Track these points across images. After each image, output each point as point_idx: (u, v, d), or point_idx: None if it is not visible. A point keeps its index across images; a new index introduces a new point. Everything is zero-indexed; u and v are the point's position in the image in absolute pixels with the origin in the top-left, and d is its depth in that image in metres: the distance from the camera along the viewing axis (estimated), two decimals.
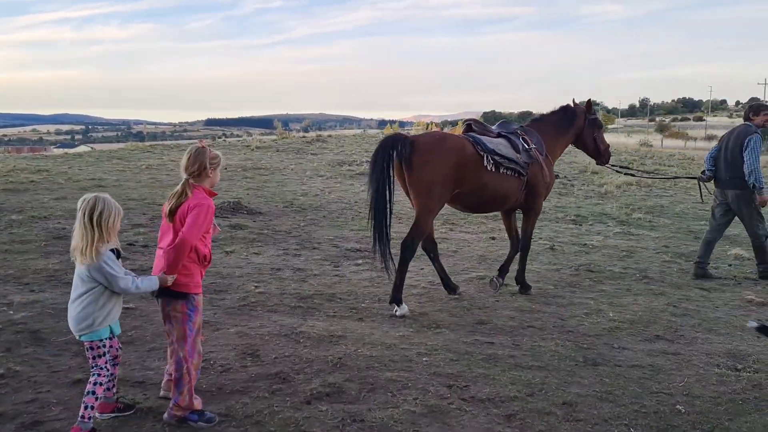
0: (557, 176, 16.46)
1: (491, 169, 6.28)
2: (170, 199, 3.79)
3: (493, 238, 9.38)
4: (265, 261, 7.72)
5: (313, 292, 6.47)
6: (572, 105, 7.39)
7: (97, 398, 3.58)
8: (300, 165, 16.66)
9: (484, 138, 6.47)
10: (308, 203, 11.66)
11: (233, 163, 16.21)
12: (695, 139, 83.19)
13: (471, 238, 9.38)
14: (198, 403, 3.80)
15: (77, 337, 3.65)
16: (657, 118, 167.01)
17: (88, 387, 3.58)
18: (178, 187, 3.79)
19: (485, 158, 6.25)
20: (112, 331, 3.70)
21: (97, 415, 3.68)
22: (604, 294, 6.78)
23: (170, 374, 3.95)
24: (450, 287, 6.60)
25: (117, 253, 3.64)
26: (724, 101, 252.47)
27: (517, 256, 6.94)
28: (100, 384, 3.60)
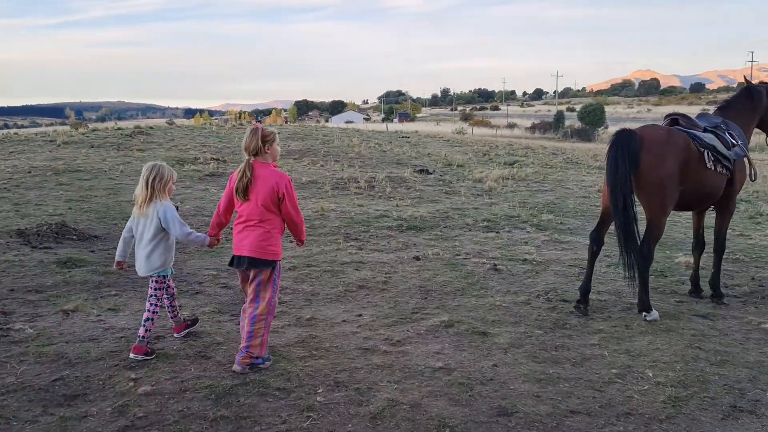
0: (429, 172, 15.17)
1: (710, 167, 5.93)
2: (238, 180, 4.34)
3: (418, 258, 7.55)
4: (129, 322, 5.20)
5: (234, 383, 4.16)
6: (752, 85, 6.67)
7: (153, 323, 4.63)
8: (129, 165, 13.54)
9: (696, 132, 6.04)
10: None
11: (39, 165, 12.70)
12: (499, 126, 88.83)
13: (391, 260, 7.47)
14: (265, 350, 4.40)
15: (147, 275, 4.66)
16: (458, 108, 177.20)
17: (147, 315, 4.62)
18: (242, 167, 4.35)
19: (705, 155, 5.90)
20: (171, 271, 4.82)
21: (176, 335, 4.92)
22: (607, 336, 5.24)
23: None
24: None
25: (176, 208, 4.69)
26: (513, 92, 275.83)
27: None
28: (156, 312, 4.67)
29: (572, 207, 11.82)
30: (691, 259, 7.82)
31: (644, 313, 5.74)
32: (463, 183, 13.87)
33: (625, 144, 5.71)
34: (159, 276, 4.69)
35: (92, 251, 7.27)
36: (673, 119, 6.33)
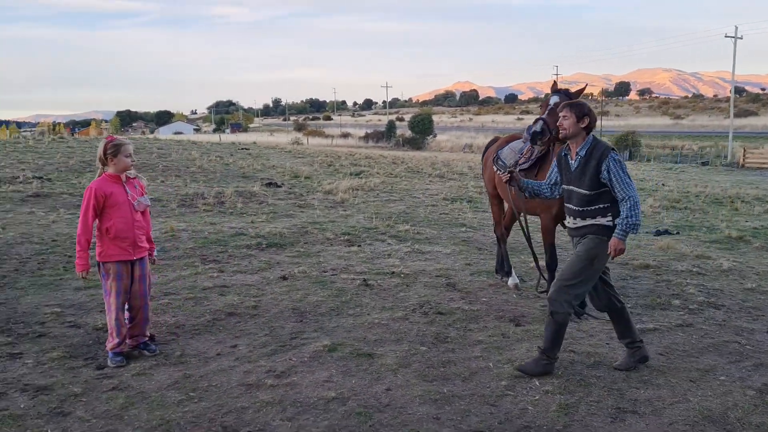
0: (278, 185, 14.73)
1: (495, 171, 6.59)
2: None
3: (285, 278, 7.21)
4: None
5: None
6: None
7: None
8: None
9: (515, 142, 6.60)
10: None
11: None
12: (333, 136, 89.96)
13: (256, 281, 7.06)
14: (110, 346, 4.72)
15: None
16: (291, 118, 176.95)
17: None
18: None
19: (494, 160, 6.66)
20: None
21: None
22: (488, 347, 5.27)
23: None
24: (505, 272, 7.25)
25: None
26: (344, 102, 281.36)
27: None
28: None
29: (424, 216, 12.08)
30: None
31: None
32: (314, 195, 13.66)
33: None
34: None
35: None
36: None
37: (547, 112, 5.60)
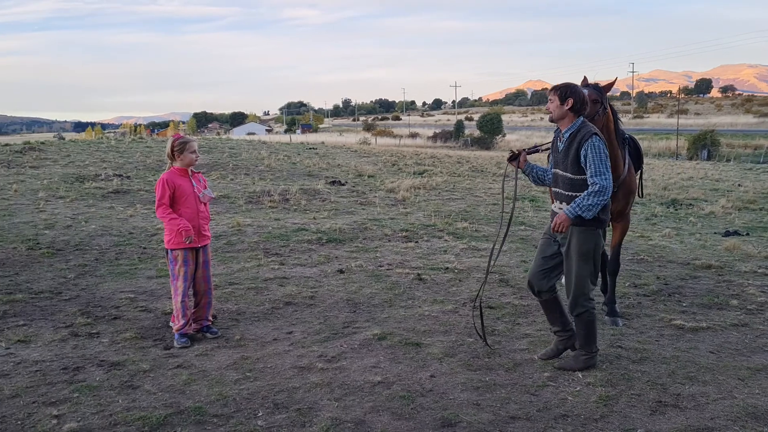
0: (342, 183, 15.14)
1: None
2: None
3: (342, 271, 7.50)
4: (44, 355, 4.83)
5: (167, 412, 3.95)
6: None
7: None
8: (23, 183, 12.68)
9: None
10: (62, 240, 8.42)
11: None
12: (401, 136, 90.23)
13: (315, 273, 7.38)
14: (176, 328, 5.13)
15: None
16: (360, 118, 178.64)
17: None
18: None
19: None
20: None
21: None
22: (535, 341, 5.40)
23: None
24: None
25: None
26: (413, 102, 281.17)
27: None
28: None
29: (484, 214, 12.16)
30: None
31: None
32: (376, 193, 13.95)
33: None
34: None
35: None
36: None
37: None
